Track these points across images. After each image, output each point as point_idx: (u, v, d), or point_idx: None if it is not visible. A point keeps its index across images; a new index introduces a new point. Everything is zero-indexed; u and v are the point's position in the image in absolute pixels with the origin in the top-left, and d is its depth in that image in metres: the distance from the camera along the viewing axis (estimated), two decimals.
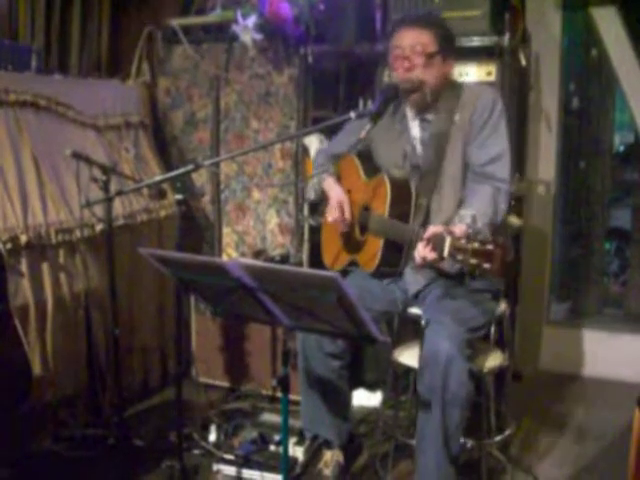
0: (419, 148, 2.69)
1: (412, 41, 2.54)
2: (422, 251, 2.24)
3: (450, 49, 2.62)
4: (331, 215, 2.78)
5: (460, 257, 2.01)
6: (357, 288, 2.66)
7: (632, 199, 4.87)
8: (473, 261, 1.98)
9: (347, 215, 2.77)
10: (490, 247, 1.96)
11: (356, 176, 2.85)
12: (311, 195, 3.01)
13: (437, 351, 2.36)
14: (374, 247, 2.64)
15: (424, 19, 2.61)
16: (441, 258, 2.10)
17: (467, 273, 2.21)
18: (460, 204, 2.53)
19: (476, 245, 1.98)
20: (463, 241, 2.01)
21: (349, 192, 2.85)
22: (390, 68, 2.70)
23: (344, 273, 2.86)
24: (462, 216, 2.36)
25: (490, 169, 2.53)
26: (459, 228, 2.23)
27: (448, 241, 2.05)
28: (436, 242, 2.13)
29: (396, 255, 2.60)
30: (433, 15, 2.77)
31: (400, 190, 2.61)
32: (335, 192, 2.83)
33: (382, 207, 2.60)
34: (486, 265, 1.96)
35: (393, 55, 2.60)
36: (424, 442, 2.47)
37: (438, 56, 2.56)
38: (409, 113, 2.72)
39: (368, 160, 2.87)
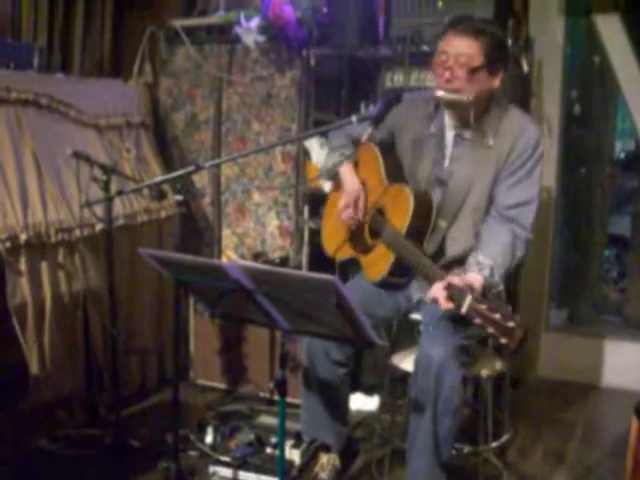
0: (447, 162, 2.57)
1: (457, 50, 2.37)
2: (439, 295, 2.19)
3: (499, 62, 2.43)
4: (345, 212, 2.70)
5: (478, 321, 1.99)
6: (361, 294, 2.64)
7: (632, 206, 4.87)
8: (491, 330, 1.96)
9: (360, 214, 2.70)
10: (511, 324, 1.93)
11: (375, 170, 2.73)
12: (323, 175, 2.96)
13: (430, 357, 2.35)
14: (383, 259, 2.58)
15: (476, 27, 2.39)
16: (457, 311, 2.08)
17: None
18: (476, 236, 2.48)
19: (497, 317, 1.95)
20: (484, 307, 1.98)
21: (364, 184, 2.76)
22: (432, 71, 2.54)
23: (345, 274, 2.84)
24: (481, 265, 2.30)
25: (514, 213, 2.44)
26: (477, 281, 2.21)
27: (469, 300, 2.02)
28: (455, 295, 2.10)
29: (402, 273, 2.56)
30: (487, 22, 2.50)
31: (422, 209, 2.50)
32: (351, 184, 2.73)
33: (400, 222, 2.50)
34: (503, 340, 1.94)
35: (436, 59, 2.44)
36: (415, 447, 2.46)
37: (483, 70, 2.39)
38: (448, 121, 2.57)
39: (391, 157, 2.74)
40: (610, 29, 3.92)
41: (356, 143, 2.79)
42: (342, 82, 3.97)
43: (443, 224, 2.53)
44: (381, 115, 2.40)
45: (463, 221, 2.53)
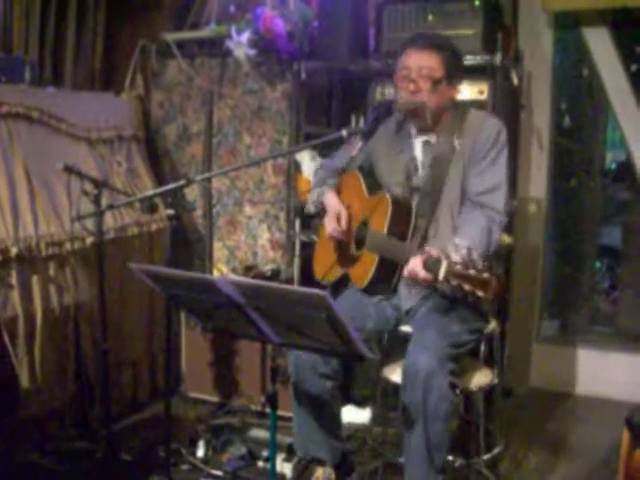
0: (420, 169, 2.68)
1: (420, 63, 2.53)
2: (415, 268, 2.26)
3: (457, 74, 2.61)
4: (329, 225, 2.77)
5: (455, 282, 2.05)
6: (350, 307, 2.66)
7: (623, 217, 4.89)
8: (467, 287, 2.02)
9: (343, 225, 2.75)
10: (486, 276, 2.00)
11: (357, 191, 2.83)
12: (311, 209, 3.01)
13: (417, 365, 2.36)
14: (368, 263, 2.63)
15: (434, 41, 2.58)
16: (435, 280, 2.13)
17: (459, 298, 2.19)
18: (454, 230, 2.53)
19: (472, 272, 2.02)
20: (459, 267, 2.04)
21: (348, 207, 2.83)
22: (395, 86, 2.67)
23: (336, 292, 2.85)
24: (458, 246, 2.31)
25: (485, 199, 2.52)
26: (454, 255, 2.23)
27: (445, 265, 2.08)
28: (432, 264, 2.16)
29: (389, 274, 2.59)
30: (443, 38, 2.70)
31: (401, 209, 2.59)
32: (333, 205, 2.82)
33: (381, 224, 2.58)
34: (480, 292, 2.01)
35: (399, 75, 2.58)
36: (409, 456, 2.47)
37: (444, 82, 2.55)
38: (413, 133, 2.71)
39: (370, 176, 2.85)
40: (599, 42, 3.95)
41: (341, 172, 2.92)
42: (333, 95, 4.00)
43: (422, 223, 2.60)
44: (372, 129, 2.43)
45: (441, 217, 2.60)
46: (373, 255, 2.61)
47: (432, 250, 2.24)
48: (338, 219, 2.77)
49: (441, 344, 2.41)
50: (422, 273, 2.24)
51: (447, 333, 2.45)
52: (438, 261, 2.12)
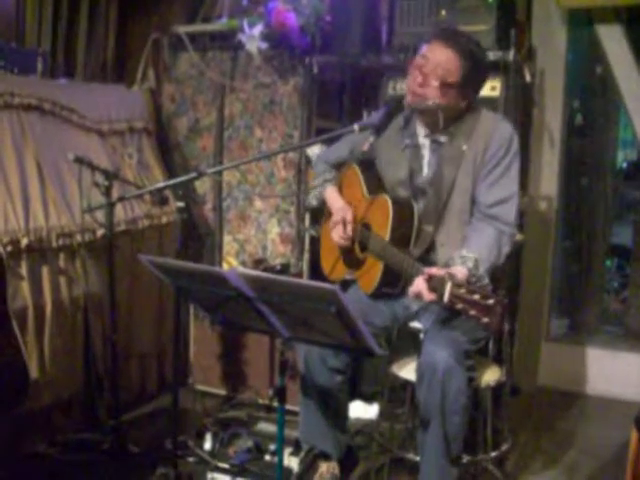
0: (426, 170, 2.61)
1: (438, 59, 2.42)
2: (420, 289, 2.23)
3: (472, 88, 2.51)
4: (336, 234, 2.72)
5: (460, 305, 2.02)
6: (359, 302, 2.65)
7: (634, 216, 4.87)
8: (472, 312, 2.00)
9: (349, 232, 2.70)
10: (490, 302, 1.97)
11: (357, 189, 2.80)
12: (313, 202, 2.99)
13: (435, 361, 2.35)
14: (373, 270, 2.61)
15: (464, 47, 2.44)
16: (440, 300, 2.10)
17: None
18: (463, 240, 2.49)
19: (477, 297, 1.99)
20: (463, 290, 2.02)
21: (349, 205, 2.81)
22: (406, 70, 2.55)
23: (345, 286, 2.84)
24: (465, 258, 2.33)
25: (496, 211, 2.47)
26: (461, 272, 2.23)
27: (449, 286, 2.05)
28: (436, 284, 2.13)
29: (395, 280, 2.57)
30: (476, 46, 2.51)
31: (402, 214, 2.54)
32: (338, 205, 2.78)
33: (383, 230, 2.54)
34: (485, 319, 1.99)
35: (415, 61, 2.48)
36: (425, 451, 2.47)
37: (455, 88, 2.44)
38: (420, 130, 2.63)
39: (371, 173, 2.80)
40: (612, 40, 3.93)
41: (337, 167, 2.90)
42: (344, 90, 3.99)
43: (429, 229, 2.55)
44: (383, 124, 2.41)
45: (449, 224, 2.55)
46: (377, 262, 2.59)
47: (435, 269, 2.21)
48: (344, 226, 2.71)
49: (458, 340, 2.41)
50: (427, 295, 2.20)
51: (463, 329, 2.44)
52: (442, 282, 2.08)
